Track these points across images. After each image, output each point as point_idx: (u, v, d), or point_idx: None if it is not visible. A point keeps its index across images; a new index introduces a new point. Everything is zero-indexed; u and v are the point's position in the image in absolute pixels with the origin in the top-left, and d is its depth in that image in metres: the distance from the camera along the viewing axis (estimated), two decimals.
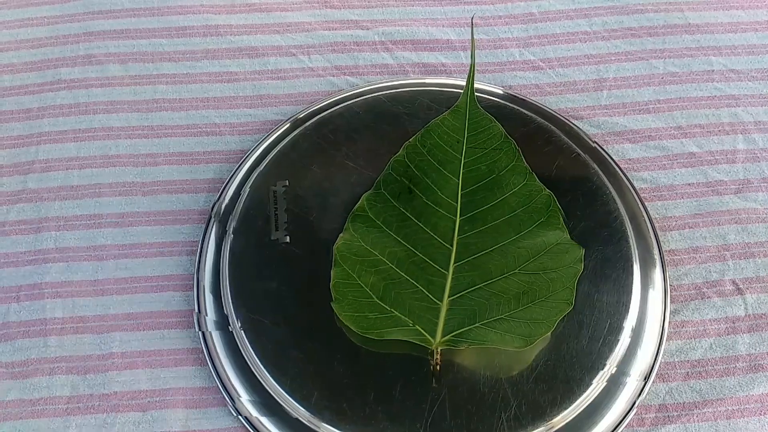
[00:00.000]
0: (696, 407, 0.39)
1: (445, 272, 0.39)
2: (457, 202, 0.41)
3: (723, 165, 0.47)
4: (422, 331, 0.37)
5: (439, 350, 0.37)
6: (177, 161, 0.47)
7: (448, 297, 0.38)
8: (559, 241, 0.39)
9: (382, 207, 0.41)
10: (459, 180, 0.41)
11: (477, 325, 0.37)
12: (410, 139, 0.43)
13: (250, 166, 0.45)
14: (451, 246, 0.39)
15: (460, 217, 0.40)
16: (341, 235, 0.40)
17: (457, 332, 0.37)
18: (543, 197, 0.40)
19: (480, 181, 0.41)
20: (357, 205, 0.41)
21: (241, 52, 0.52)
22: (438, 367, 0.37)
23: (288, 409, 0.37)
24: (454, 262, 0.39)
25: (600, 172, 0.44)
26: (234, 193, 0.44)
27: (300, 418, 0.37)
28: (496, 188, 0.41)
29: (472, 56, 0.42)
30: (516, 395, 0.37)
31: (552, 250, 0.39)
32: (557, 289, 0.38)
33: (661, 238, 0.43)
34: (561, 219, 0.40)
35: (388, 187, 0.41)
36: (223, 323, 0.40)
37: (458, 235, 0.40)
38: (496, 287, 0.38)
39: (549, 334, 0.37)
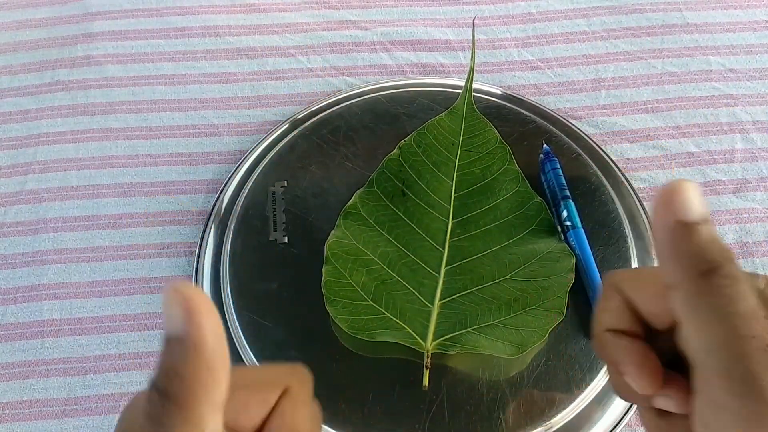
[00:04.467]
0: None
1: (437, 275, 0.38)
2: (449, 205, 0.40)
3: (721, 165, 0.47)
4: (413, 333, 0.37)
5: (430, 354, 0.37)
6: (175, 162, 0.47)
7: (439, 300, 0.38)
8: (550, 250, 0.39)
9: (375, 206, 0.41)
10: (453, 182, 0.41)
11: (468, 330, 0.37)
12: (405, 138, 0.43)
13: (248, 167, 0.45)
14: (443, 249, 0.39)
15: (452, 219, 0.40)
16: (333, 232, 0.40)
17: (449, 336, 0.37)
18: (534, 204, 0.40)
19: (473, 185, 0.41)
20: (349, 203, 0.41)
21: (239, 52, 0.52)
22: (429, 370, 0.37)
23: None
24: (446, 265, 0.39)
25: (598, 172, 0.44)
26: (232, 194, 0.44)
27: None
28: (489, 192, 0.41)
29: (472, 59, 0.42)
30: (515, 395, 0.36)
31: (544, 257, 0.38)
32: (549, 298, 0.37)
33: None
34: (552, 227, 0.40)
35: (381, 186, 0.41)
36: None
37: (450, 238, 0.39)
38: (488, 292, 0.38)
39: (545, 338, 0.37)
